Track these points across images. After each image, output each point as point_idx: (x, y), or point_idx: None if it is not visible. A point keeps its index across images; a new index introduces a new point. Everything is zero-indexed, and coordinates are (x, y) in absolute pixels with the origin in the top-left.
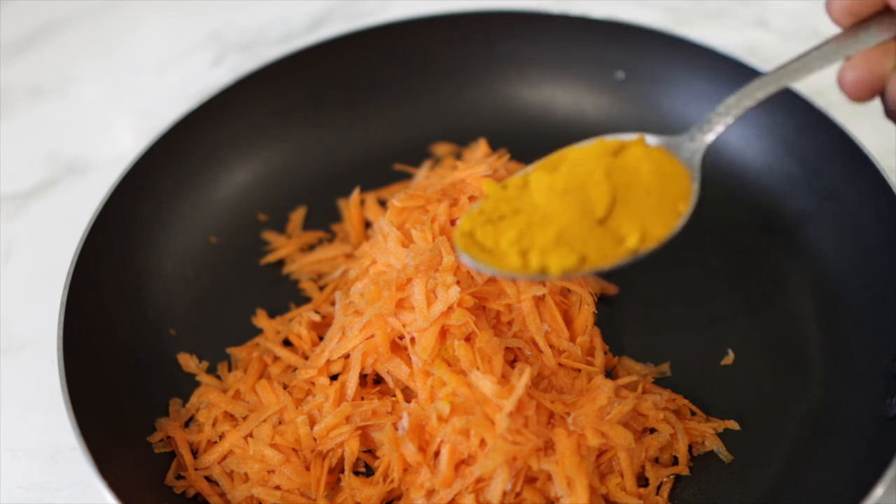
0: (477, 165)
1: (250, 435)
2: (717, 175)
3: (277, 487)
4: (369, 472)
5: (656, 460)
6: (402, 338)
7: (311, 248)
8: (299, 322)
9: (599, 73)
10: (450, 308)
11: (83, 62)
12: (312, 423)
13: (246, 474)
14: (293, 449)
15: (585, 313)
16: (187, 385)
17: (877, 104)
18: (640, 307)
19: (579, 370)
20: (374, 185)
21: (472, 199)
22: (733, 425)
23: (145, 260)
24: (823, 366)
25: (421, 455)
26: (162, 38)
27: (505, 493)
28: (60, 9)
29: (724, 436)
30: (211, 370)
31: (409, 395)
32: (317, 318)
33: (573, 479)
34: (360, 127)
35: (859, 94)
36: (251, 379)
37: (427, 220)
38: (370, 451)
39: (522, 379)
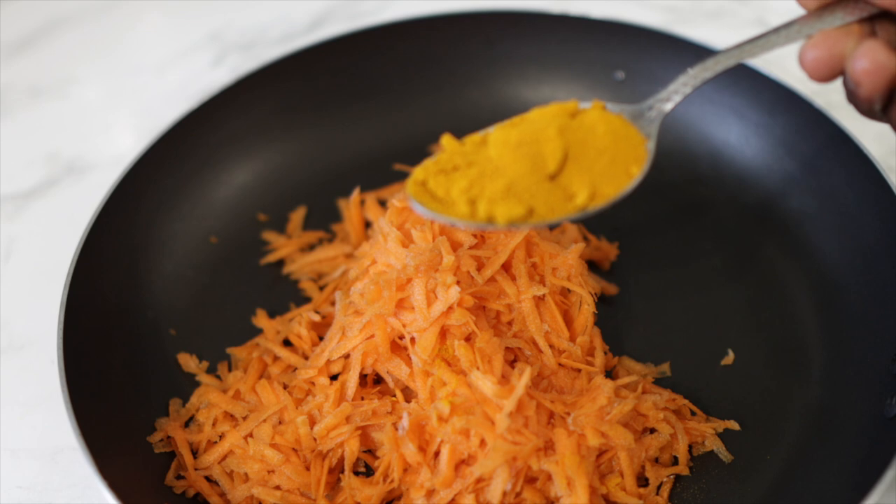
0: None
1: (250, 435)
2: (716, 175)
3: (277, 487)
4: (369, 472)
5: (656, 460)
6: (402, 338)
7: (311, 248)
8: (299, 322)
9: (599, 73)
10: (450, 308)
11: (83, 62)
12: (312, 423)
13: (246, 474)
14: (293, 449)
15: (585, 313)
16: (187, 385)
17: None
18: (640, 307)
19: (579, 370)
20: (374, 185)
21: None
22: (733, 425)
23: (145, 260)
24: (823, 366)
25: (421, 455)
26: (162, 38)
27: (505, 493)
28: (60, 9)
29: (724, 436)
30: (211, 370)
31: (409, 395)
32: (317, 318)
33: (573, 479)
34: (360, 127)
35: (819, 73)
36: (251, 379)
37: (427, 220)
38: (370, 451)
39: (522, 379)
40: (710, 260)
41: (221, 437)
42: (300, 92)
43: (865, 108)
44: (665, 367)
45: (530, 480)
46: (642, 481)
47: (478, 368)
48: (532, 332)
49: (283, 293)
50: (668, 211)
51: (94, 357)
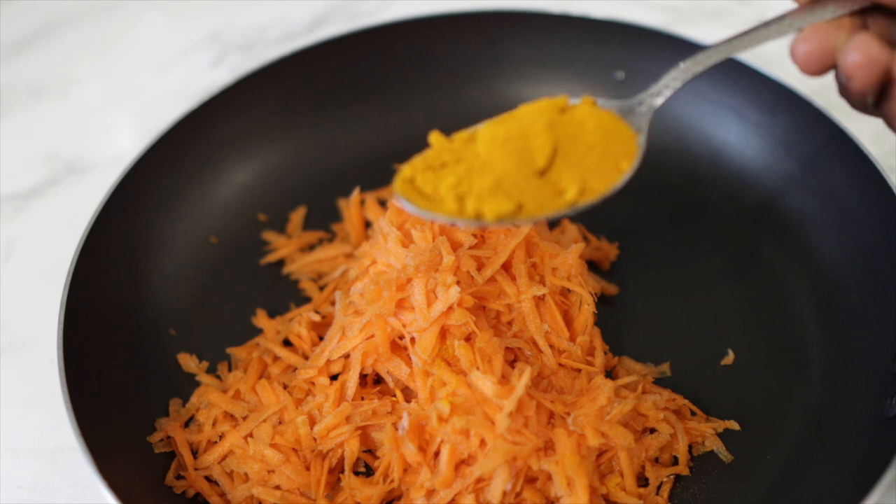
0: None
1: (250, 435)
2: (716, 175)
3: (277, 487)
4: (369, 472)
5: (656, 460)
6: (402, 338)
7: (311, 248)
8: (299, 322)
9: (599, 73)
10: (450, 308)
11: (83, 62)
12: (312, 423)
13: (246, 474)
14: (293, 449)
15: (585, 313)
16: (187, 385)
17: None
18: (640, 307)
19: (579, 370)
20: (374, 185)
21: None
22: (733, 425)
23: (145, 260)
24: (823, 366)
25: (421, 455)
26: (162, 38)
27: (505, 493)
28: (60, 9)
29: (724, 436)
30: (211, 370)
31: (409, 395)
32: (317, 318)
33: (573, 479)
34: (360, 127)
35: (810, 67)
36: (251, 379)
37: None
38: (370, 451)
39: (522, 379)
40: (710, 260)
41: (221, 437)
42: (300, 92)
43: (857, 101)
44: (665, 367)
45: (530, 480)
46: (642, 481)
47: (478, 368)
48: (532, 332)
49: (283, 293)
50: (667, 211)
51: (94, 357)
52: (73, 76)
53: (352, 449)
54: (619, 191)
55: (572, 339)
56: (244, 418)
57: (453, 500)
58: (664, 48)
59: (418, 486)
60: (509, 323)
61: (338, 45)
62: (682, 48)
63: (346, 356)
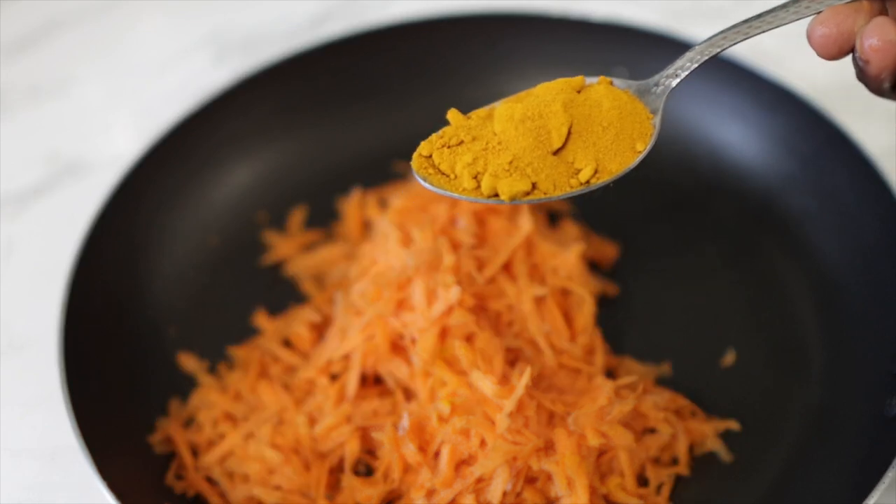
0: None
1: (250, 435)
2: (717, 174)
3: (277, 487)
4: (369, 472)
5: (656, 460)
6: (402, 338)
7: (311, 248)
8: (299, 322)
9: (600, 73)
10: (450, 308)
11: (83, 62)
12: (312, 423)
13: (246, 474)
14: (293, 449)
15: (586, 313)
16: (187, 385)
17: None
18: (640, 307)
19: (579, 370)
20: (374, 185)
21: None
22: (733, 425)
23: (145, 260)
24: (823, 366)
25: (421, 455)
26: (162, 38)
27: (505, 493)
28: (60, 9)
29: (725, 436)
30: (211, 370)
31: (409, 395)
32: (317, 318)
33: (573, 479)
34: (360, 127)
35: (827, 51)
36: (251, 379)
37: (427, 220)
38: (370, 451)
39: (523, 379)
40: (711, 260)
41: (221, 437)
42: (300, 92)
43: (875, 86)
44: (665, 367)
45: (530, 480)
46: (642, 481)
47: (478, 368)
48: (532, 333)
49: (283, 293)
50: (668, 211)
51: (94, 357)
52: (73, 76)
53: (352, 449)
54: (633, 171)
55: (572, 339)
56: (244, 418)
57: (453, 500)
58: (664, 48)
59: (418, 486)
60: (509, 323)
61: (338, 45)
62: (682, 48)
63: (347, 356)
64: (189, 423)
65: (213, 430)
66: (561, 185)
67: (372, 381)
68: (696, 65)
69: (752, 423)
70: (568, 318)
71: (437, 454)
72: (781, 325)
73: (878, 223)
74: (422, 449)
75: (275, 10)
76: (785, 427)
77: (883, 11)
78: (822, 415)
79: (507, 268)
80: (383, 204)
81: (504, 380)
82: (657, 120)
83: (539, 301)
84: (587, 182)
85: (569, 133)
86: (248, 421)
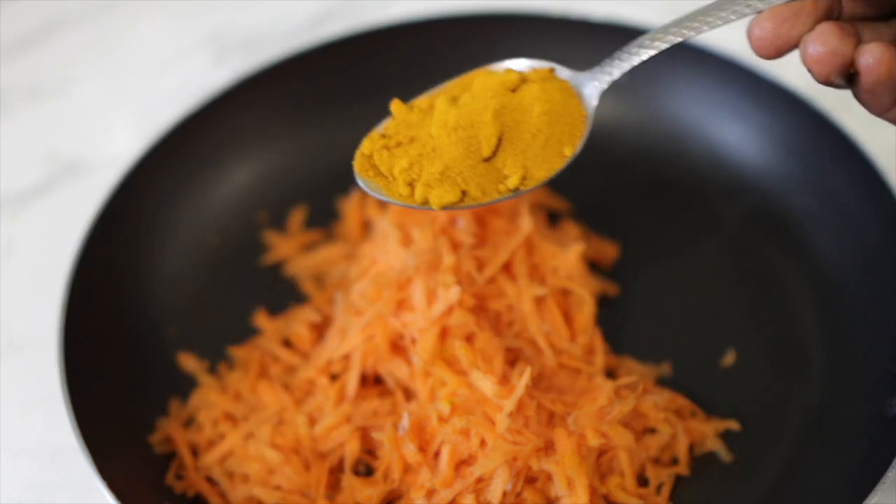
0: None
1: (250, 435)
2: (716, 174)
3: (277, 487)
4: (369, 471)
5: (656, 460)
6: (402, 338)
7: (311, 248)
8: (299, 322)
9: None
10: (450, 308)
11: (83, 62)
12: (312, 423)
13: (246, 474)
14: (293, 449)
15: (586, 313)
16: (187, 385)
17: None
18: (640, 307)
19: (579, 370)
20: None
21: None
22: (733, 425)
23: (145, 260)
24: (823, 366)
25: (421, 455)
26: (162, 38)
27: (505, 493)
28: (60, 9)
29: (724, 436)
30: (211, 370)
31: (409, 395)
32: (317, 318)
33: (573, 479)
34: (361, 127)
35: (765, 52)
36: (251, 379)
37: (427, 219)
38: (370, 451)
39: (523, 379)
40: (710, 260)
41: (221, 437)
42: (300, 92)
43: (825, 83)
44: (665, 367)
45: (530, 480)
46: (642, 481)
47: (478, 368)
48: (532, 333)
49: (283, 293)
50: (668, 211)
51: (94, 357)
52: (73, 76)
53: (352, 449)
54: (562, 173)
55: (572, 339)
56: (244, 418)
57: (453, 500)
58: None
59: (418, 486)
60: (510, 323)
61: (338, 45)
62: (681, 48)
63: (346, 356)
64: (189, 423)
65: (213, 430)
66: (490, 192)
67: (372, 381)
68: (629, 66)
69: (752, 423)
70: (568, 318)
71: (437, 454)
72: (781, 325)
73: (878, 223)
74: (422, 449)
75: (275, 10)
76: (785, 427)
77: (828, 12)
78: (822, 415)
79: (507, 268)
80: (383, 204)
81: (504, 380)
82: (589, 120)
83: (539, 301)
84: (515, 188)
85: (499, 141)
86: (248, 421)
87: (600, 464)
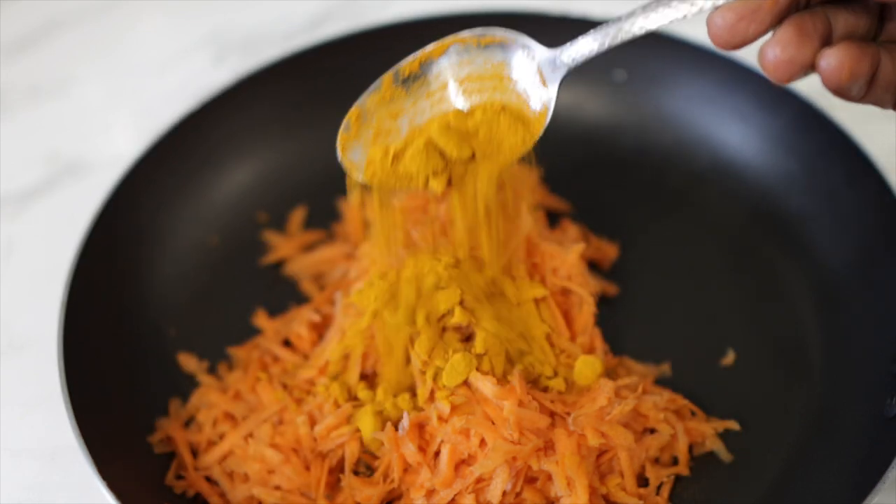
0: None
1: (250, 435)
2: (716, 174)
3: (277, 487)
4: (369, 472)
5: (656, 460)
6: None
7: (311, 248)
8: (299, 322)
9: (599, 73)
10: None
11: (83, 62)
12: (312, 423)
13: (246, 474)
14: (293, 449)
15: (585, 313)
16: (187, 385)
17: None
18: (640, 307)
19: None
20: None
21: None
22: (733, 425)
23: (145, 260)
24: (823, 366)
25: (421, 455)
26: (162, 38)
27: (505, 493)
28: (60, 9)
29: (724, 436)
30: (211, 370)
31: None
32: (317, 318)
33: (573, 479)
34: None
35: (721, 45)
36: (251, 379)
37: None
38: (370, 451)
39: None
40: (710, 260)
41: (221, 437)
42: (300, 92)
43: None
44: (665, 367)
45: (530, 480)
46: (642, 481)
47: (477, 369)
48: (532, 333)
49: (283, 293)
50: (668, 211)
51: (94, 357)
52: (73, 76)
53: (352, 449)
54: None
55: (572, 339)
56: (244, 418)
57: (453, 500)
58: (664, 48)
59: (418, 486)
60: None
61: (338, 45)
62: (682, 48)
63: (346, 356)
64: (189, 423)
65: (213, 430)
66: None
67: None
68: (565, 72)
69: (752, 423)
70: (568, 318)
71: (436, 454)
72: (781, 325)
73: (878, 223)
74: (422, 449)
75: (275, 11)
76: (785, 427)
77: (792, 5)
78: (822, 415)
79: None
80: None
81: (504, 380)
82: (549, 109)
83: (539, 301)
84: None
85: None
86: (248, 421)
87: (600, 464)
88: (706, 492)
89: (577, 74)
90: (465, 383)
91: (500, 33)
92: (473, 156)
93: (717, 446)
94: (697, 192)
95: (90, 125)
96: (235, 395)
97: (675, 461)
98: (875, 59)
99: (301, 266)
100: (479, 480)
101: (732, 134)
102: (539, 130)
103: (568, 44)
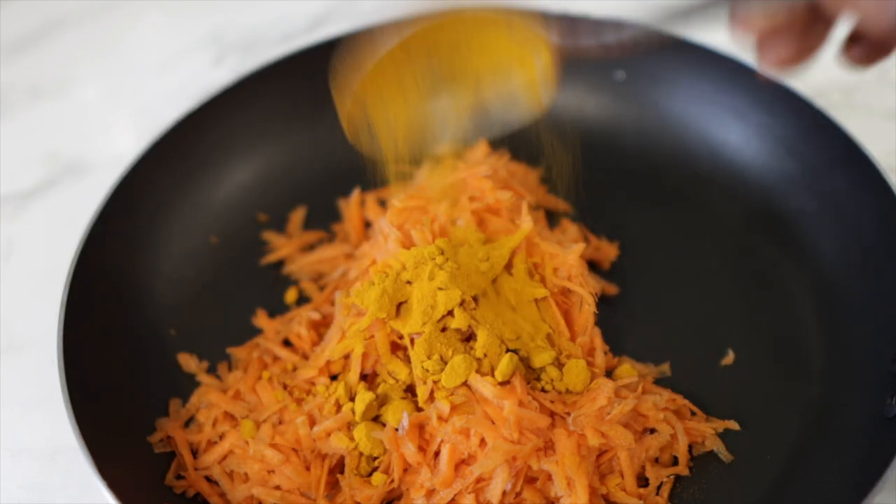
0: (477, 165)
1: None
2: (717, 174)
3: (277, 487)
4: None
5: (656, 460)
6: (401, 338)
7: (311, 248)
8: (299, 322)
9: (599, 73)
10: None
11: (83, 62)
12: (312, 423)
13: (246, 474)
14: (293, 449)
15: (585, 313)
16: (187, 385)
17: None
18: (640, 307)
19: None
20: (374, 185)
21: (472, 199)
22: (733, 425)
23: (145, 260)
24: (823, 366)
25: (421, 455)
26: (162, 38)
27: (505, 493)
28: (60, 9)
29: (724, 436)
30: (211, 370)
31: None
32: (317, 317)
33: (573, 479)
34: None
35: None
36: (251, 379)
37: (427, 220)
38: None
39: (517, 378)
40: (710, 260)
41: (221, 437)
42: (300, 91)
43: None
44: (665, 367)
45: (530, 480)
46: (642, 481)
47: (477, 371)
48: (532, 332)
49: (283, 293)
50: (668, 211)
51: (94, 357)
52: (73, 76)
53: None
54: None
55: (573, 339)
56: (244, 418)
57: (453, 499)
58: (664, 48)
59: (418, 486)
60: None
61: (338, 45)
62: (682, 48)
63: (346, 356)
64: (189, 422)
65: (213, 430)
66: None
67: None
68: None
69: (752, 423)
70: (568, 318)
71: (436, 454)
72: (781, 325)
73: (878, 223)
74: (422, 449)
75: (275, 11)
76: (785, 427)
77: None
78: (822, 415)
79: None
80: (383, 204)
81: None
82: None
83: (539, 301)
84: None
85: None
86: (248, 420)
87: (600, 464)
88: (706, 492)
89: (577, 74)
90: (465, 384)
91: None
92: None
93: (717, 446)
94: (697, 192)
95: (90, 125)
96: (235, 395)
97: (675, 461)
98: None
99: (301, 266)
100: (479, 480)
101: (732, 134)
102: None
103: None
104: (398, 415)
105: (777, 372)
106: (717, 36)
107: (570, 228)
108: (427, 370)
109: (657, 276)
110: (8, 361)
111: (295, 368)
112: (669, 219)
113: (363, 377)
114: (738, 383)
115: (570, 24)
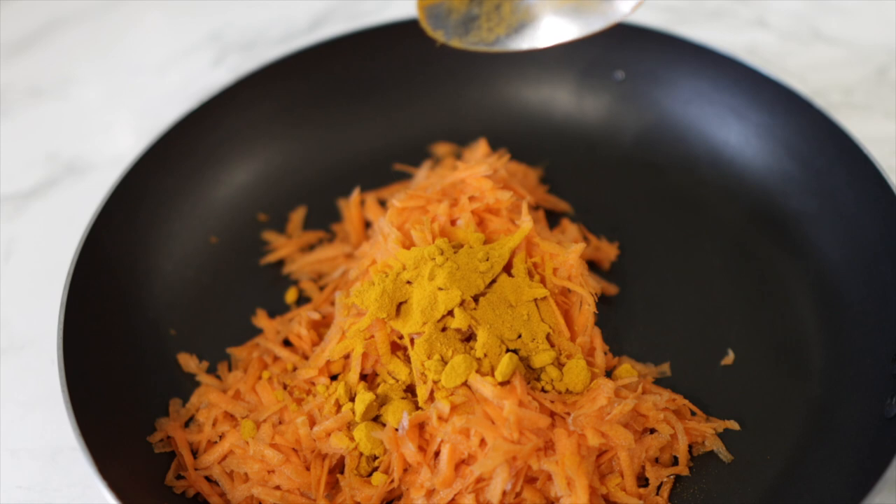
0: (477, 165)
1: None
2: (717, 175)
3: (277, 487)
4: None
5: (656, 460)
6: (401, 337)
7: (311, 248)
8: (299, 322)
9: (599, 73)
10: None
11: (83, 62)
12: (312, 423)
13: (246, 474)
14: (293, 449)
15: (585, 313)
16: (187, 385)
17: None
18: (640, 307)
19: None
20: (374, 185)
21: (472, 199)
22: (733, 425)
23: (145, 260)
24: (823, 366)
25: (421, 455)
26: (162, 37)
27: (505, 493)
28: (60, 9)
29: (724, 436)
30: (211, 370)
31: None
32: (317, 317)
33: (573, 479)
34: (360, 127)
35: None
36: (251, 379)
37: (427, 220)
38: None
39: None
40: (710, 260)
41: (221, 437)
42: (300, 92)
43: None
44: (665, 367)
45: (530, 480)
46: (642, 481)
47: (477, 370)
48: (532, 333)
49: (283, 293)
50: (668, 211)
51: (94, 357)
52: (73, 76)
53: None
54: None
55: (573, 339)
56: (244, 418)
57: (453, 499)
58: (664, 48)
59: (418, 485)
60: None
61: (338, 45)
62: (682, 48)
63: (346, 356)
64: (189, 423)
65: (213, 430)
66: None
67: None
68: None
69: (752, 423)
70: (568, 318)
71: (436, 454)
72: (781, 325)
73: (878, 223)
74: (422, 449)
75: (275, 11)
76: (785, 427)
77: None
78: (822, 415)
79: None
80: (383, 204)
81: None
82: None
83: (540, 301)
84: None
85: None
86: (248, 420)
87: (600, 464)
88: (706, 492)
89: (577, 74)
90: (465, 384)
91: None
92: None
93: (717, 446)
94: (697, 192)
95: (90, 125)
96: (235, 395)
97: (675, 461)
98: None
99: (301, 266)
100: (479, 480)
101: (732, 134)
102: None
103: None
104: (398, 415)
105: (777, 372)
106: (717, 36)
107: (570, 228)
108: (427, 370)
109: (657, 276)
110: (8, 361)
111: (295, 368)
112: (669, 219)
113: (363, 377)
114: (738, 383)
115: None
